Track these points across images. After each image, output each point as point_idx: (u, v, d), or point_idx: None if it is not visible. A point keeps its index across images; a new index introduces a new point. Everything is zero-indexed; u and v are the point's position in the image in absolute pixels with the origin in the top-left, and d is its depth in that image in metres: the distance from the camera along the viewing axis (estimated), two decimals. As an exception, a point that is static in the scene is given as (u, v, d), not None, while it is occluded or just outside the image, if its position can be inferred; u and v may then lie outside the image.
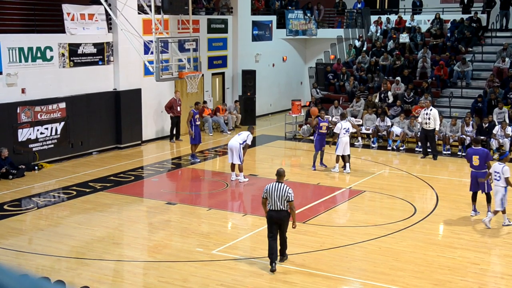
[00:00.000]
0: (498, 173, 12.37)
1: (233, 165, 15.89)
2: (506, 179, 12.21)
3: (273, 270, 10.23)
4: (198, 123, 18.26)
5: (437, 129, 18.69)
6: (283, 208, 10.22)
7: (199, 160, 18.29)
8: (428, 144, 18.97)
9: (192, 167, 17.95)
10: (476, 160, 12.83)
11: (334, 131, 17.33)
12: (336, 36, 27.88)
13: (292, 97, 26.81)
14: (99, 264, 10.60)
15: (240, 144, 15.68)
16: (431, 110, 18.60)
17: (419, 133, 19.43)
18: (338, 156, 16.94)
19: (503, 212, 12.50)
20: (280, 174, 10.49)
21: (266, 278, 10.06)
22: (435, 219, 13.21)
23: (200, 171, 17.72)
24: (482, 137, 17.55)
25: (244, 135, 15.83)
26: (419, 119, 19.02)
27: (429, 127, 18.57)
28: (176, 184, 16.78)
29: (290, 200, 10.18)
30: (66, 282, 7.69)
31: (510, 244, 11.81)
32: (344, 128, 16.84)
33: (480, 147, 13.25)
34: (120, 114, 19.77)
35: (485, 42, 24.83)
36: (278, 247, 10.48)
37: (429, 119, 18.49)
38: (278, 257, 10.50)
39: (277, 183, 10.31)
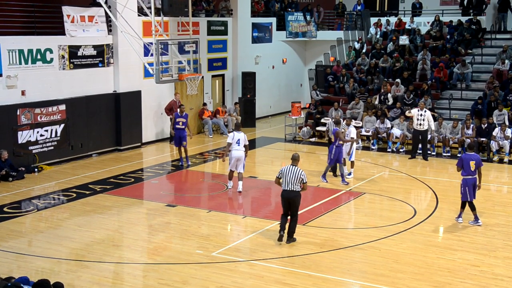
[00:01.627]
0: None
1: (232, 173, 15.27)
2: None
3: (279, 240, 11.58)
4: (180, 126, 17.83)
5: (432, 128, 18.97)
6: (294, 189, 11.36)
7: (183, 164, 17.99)
8: (421, 146, 19.18)
9: (192, 169, 17.95)
10: (473, 165, 12.69)
11: (352, 136, 16.25)
12: (336, 38, 27.93)
13: (292, 99, 26.80)
14: (99, 266, 10.60)
15: (244, 151, 15.15)
16: (425, 111, 18.89)
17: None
18: (352, 161, 16.63)
19: None
20: (294, 158, 11.64)
21: (266, 280, 10.06)
22: (435, 221, 13.21)
23: (200, 173, 17.72)
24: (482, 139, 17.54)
25: (242, 140, 15.01)
26: (412, 112, 19.20)
27: (422, 128, 18.86)
28: (176, 186, 16.78)
29: (304, 182, 11.40)
30: (66, 285, 7.68)
31: (510, 246, 11.82)
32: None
33: (474, 153, 13.11)
34: (120, 116, 19.77)
35: (484, 44, 24.86)
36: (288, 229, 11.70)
37: (423, 120, 18.74)
38: (286, 237, 11.62)
39: (291, 166, 11.46)
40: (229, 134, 15.37)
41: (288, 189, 11.40)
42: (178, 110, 18.40)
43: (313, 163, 19.03)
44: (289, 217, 11.67)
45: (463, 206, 12.98)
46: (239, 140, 15.05)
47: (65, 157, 18.32)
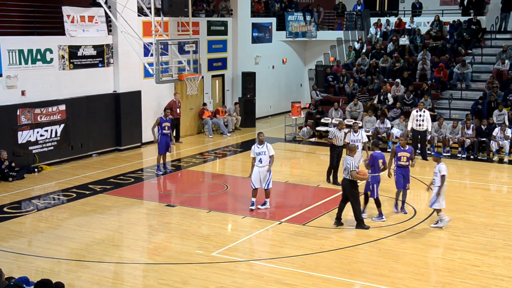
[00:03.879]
0: (436, 173, 12.58)
1: (257, 191, 13.78)
2: (442, 177, 12.42)
3: (336, 224, 12.67)
4: (166, 131, 17.00)
5: (429, 130, 18.98)
6: (345, 177, 12.34)
7: (161, 172, 17.08)
8: (420, 146, 19.22)
9: (192, 169, 17.94)
10: (381, 164, 12.92)
11: (364, 141, 15.60)
12: (336, 38, 27.94)
13: (292, 99, 26.80)
14: (99, 267, 10.60)
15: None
16: (424, 112, 18.90)
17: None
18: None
19: (438, 212, 12.74)
20: (350, 149, 12.59)
21: (266, 280, 10.06)
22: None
23: (200, 173, 17.72)
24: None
25: (270, 150, 13.60)
26: (410, 121, 19.19)
27: (422, 128, 18.89)
28: (176, 186, 16.78)
29: (350, 170, 12.12)
30: (66, 285, 7.67)
31: (510, 246, 11.82)
32: None
33: (379, 152, 13.15)
34: (120, 116, 19.77)
35: (484, 44, 24.86)
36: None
37: (422, 120, 18.79)
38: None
39: (346, 156, 12.46)
40: (269, 146, 13.64)
41: (344, 176, 12.40)
42: (163, 114, 17.50)
43: (313, 163, 19.05)
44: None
45: (379, 204, 13.13)
46: (266, 151, 13.66)
47: (65, 157, 18.31)
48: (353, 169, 12.19)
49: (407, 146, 13.57)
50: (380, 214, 13.13)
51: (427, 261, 10.97)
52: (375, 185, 12.98)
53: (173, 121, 21.16)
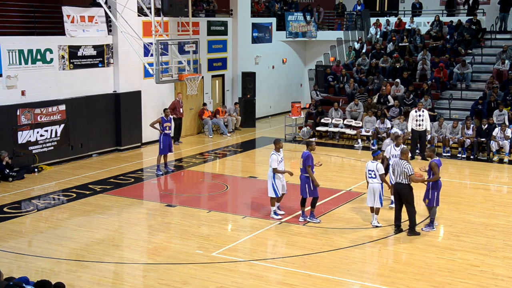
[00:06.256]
0: (372, 171, 12.58)
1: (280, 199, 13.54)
2: (381, 176, 12.41)
3: (395, 232, 12.24)
4: (168, 131, 16.97)
5: (428, 129, 19.01)
6: (401, 182, 11.96)
7: (161, 172, 17.02)
8: (419, 146, 19.23)
9: (192, 169, 17.95)
10: (301, 164, 12.85)
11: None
12: (336, 38, 27.94)
13: (292, 99, 26.81)
14: (99, 266, 10.61)
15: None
16: (423, 111, 18.94)
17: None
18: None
19: (376, 211, 12.72)
20: (402, 152, 12.30)
21: (266, 280, 10.07)
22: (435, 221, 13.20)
23: (200, 173, 17.72)
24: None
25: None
26: (409, 121, 19.20)
27: (421, 128, 18.93)
28: (176, 186, 16.78)
29: (409, 174, 11.80)
30: (66, 285, 7.68)
31: (510, 246, 11.83)
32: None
33: (306, 151, 12.96)
34: (120, 116, 19.77)
35: (484, 44, 24.87)
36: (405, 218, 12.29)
37: (422, 120, 18.81)
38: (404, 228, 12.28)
39: (399, 160, 12.15)
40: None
41: (397, 181, 12.05)
42: (164, 113, 17.34)
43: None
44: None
45: (303, 204, 13.10)
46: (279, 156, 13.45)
47: (65, 157, 18.32)
48: (412, 173, 11.83)
49: (436, 157, 12.44)
50: (304, 214, 13.07)
51: (427, 261, 10.97)
52: (306, 185, 12.77)
53: (176, 121, 21.24)
